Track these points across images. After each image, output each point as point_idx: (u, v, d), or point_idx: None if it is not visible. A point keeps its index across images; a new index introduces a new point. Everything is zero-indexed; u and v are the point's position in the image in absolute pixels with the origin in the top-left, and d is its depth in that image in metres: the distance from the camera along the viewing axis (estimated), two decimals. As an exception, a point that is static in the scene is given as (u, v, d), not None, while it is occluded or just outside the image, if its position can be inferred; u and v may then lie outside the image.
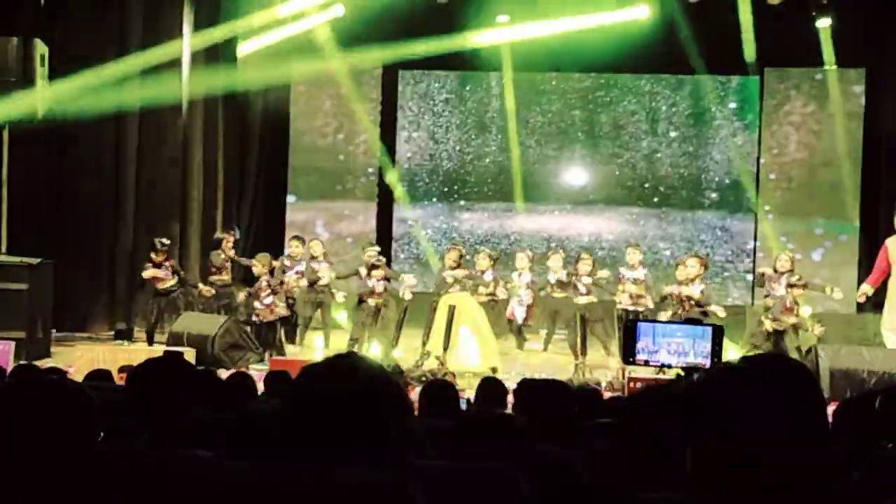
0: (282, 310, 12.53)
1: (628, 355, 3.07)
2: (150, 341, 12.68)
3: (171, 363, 3.72)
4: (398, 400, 2.10)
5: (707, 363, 3.22)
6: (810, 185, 16.42)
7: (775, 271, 12.19)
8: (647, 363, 3.06)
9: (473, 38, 16.15)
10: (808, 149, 16.47)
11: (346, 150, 17.49)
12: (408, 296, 12.69)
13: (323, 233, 16.86)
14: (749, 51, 15.72)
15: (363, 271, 12.78)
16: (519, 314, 13.47)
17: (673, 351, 3.12)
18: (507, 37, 16.22)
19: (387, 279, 12.75)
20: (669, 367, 3.00)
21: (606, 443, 4.13)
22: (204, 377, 5.86)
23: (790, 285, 11.82)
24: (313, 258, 13.36)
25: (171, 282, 12.83)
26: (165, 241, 12.91)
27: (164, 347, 11.31)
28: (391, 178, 17.31)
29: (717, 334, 3.08)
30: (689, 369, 3.51)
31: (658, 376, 10.11)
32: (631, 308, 12.65)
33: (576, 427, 4.36)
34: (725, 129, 16.75)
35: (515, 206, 17.22)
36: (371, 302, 12.60)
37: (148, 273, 12.72)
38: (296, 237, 13.80)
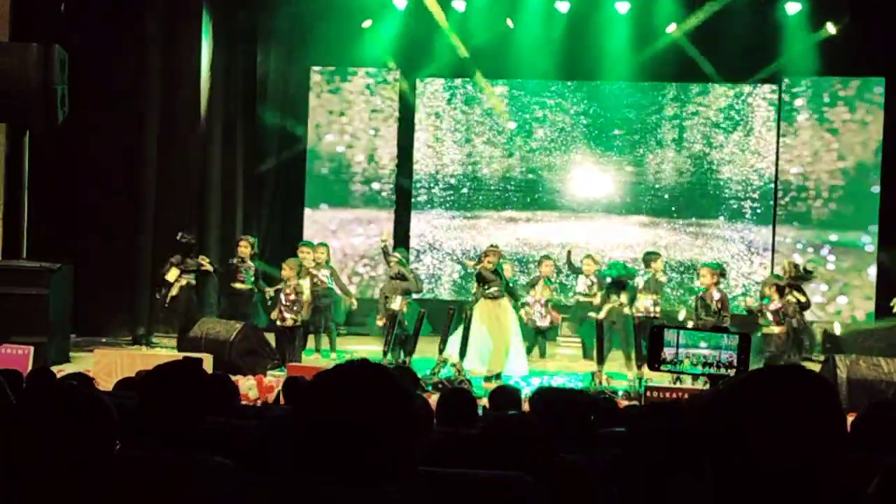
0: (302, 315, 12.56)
1: (654, 362, 3.05)
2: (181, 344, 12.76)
3: (183, 368, 3.71)
4: (407, 407, 2.10)
5: (732, 373, 3.19)
6: (829, 193, 16.34)
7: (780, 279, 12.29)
8: (671, 371, 3.05)
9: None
10: (826, 157, 16.38)
11: (362, 158, 17.50)
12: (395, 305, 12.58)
13: (339, 239, 16.90)
14: (767, 59, 15.72)
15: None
16: (539, 320, 13.55)
17: (697, 361, 3.10)
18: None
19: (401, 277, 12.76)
20: (694, 376, 2.99)
21: (622, 452, 4.13)
22: (219, 382, 5.88)
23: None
24: (317, 264, 13.39)
25: (185, 281, 12.90)
26: (187, 234, 13.06)
27: (180, 353, 11.34)
28: (407, 185, 17.33)
29: (744, 342, 3.06)
30: (714, 378, 3.50)
31: (676, 386, 10.11)
32: (647, 316, 12.67)
33: (592, 436, 4.36)
34: (743, 138, 16.69)
35: (534, 215, 17.21)
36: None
37: (171, 275, 12.79)
38: (306, 243, 13.84)
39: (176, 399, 3.54)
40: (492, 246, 12.69)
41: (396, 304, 12.37)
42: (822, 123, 16.38)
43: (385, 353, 11.95)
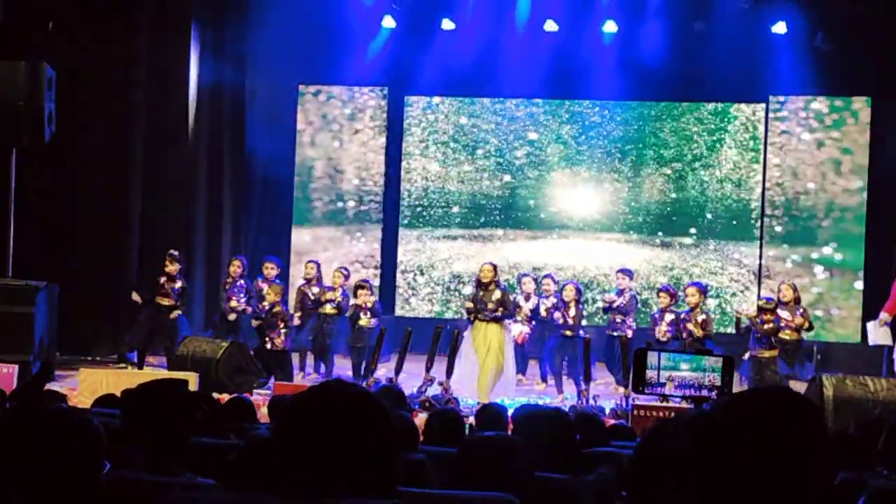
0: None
1: (638, 384, 3.03)
2: (141, 363, 12.77)
3: (164, 387, 3.70)
4: (386, 427, 2.09)
5: (713, 396, 3.18)
6: (815, 213, 16.38)
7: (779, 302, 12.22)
8: (653, 394, 3.04)
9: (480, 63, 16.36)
10: (812, 177, 16.44)
11: (350, 175, 17.50)
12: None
13: (327, 258, 16.89)
14: (753, 78, 15.80)
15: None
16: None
17: (678, 383, 3.09)
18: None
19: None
20: (676, 399, 2.97)
21: (609, 472, 4.12)
22: (202, 401, 5.86)
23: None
24: (307, 281, 13.40)
25: (170, 302, 12.87)
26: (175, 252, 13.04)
27: (165, 371, 11.32)
28: (395, 202, 17.34)
29: (728, 366, 3.04)
30: (697, 401, 3.48)
31: (664, 405, 10.10)
32: (616, 334, 12.75)
33: (577, 455, 4.35)
34: (729, 157, 16.73)
35: (520, 233, 17.22)
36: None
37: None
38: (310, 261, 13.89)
39: (159, 418, 3.52)
40: (485, 264, 12.64)
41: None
42: (807, 142, 16.44)
43: (372, 372, 12.08)
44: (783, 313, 12.00)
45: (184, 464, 3.52)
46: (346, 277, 13.40)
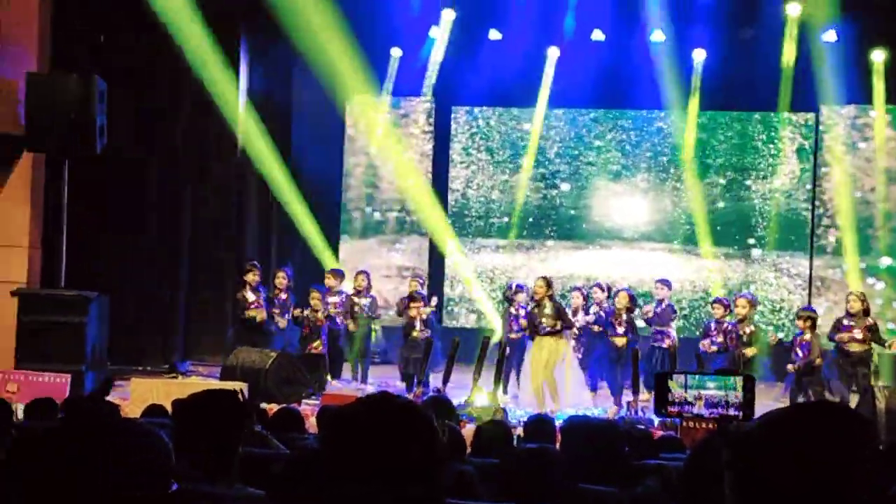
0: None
1: (660, 407, 3.02)
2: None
3: (220, 397, 3.70)
4: (433, 439, 2.09)
5: (739, 415, 3.16)
6: (867, 222, 16.19)
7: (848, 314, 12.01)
8: (680, 414, 3.01)
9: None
10: (864, 186, 16.26)
11: (396, 185, 17.55)
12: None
13: (373, 266, 16.93)
14: (803, 87, 15.64)
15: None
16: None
17: (707, 402, 3.06)
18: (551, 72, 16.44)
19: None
20: (702, 418, 2.96)
21: (655, 484, 4.09)
22: (252, 411, 5.89)
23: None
24: (358, 292, 13.44)
25: (262, 314, 12.93)
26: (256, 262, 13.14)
27: (215, 382, 11.40)
28: (442, 212, 17.32)
29: (749, 384, 3.02)
30: (725, 420, 3.45)
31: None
32: (654, 344, 12.72)
33: (625, 468, 4.32)
34: (779, 166, 16.59)
35: (565, 244, 17.17)
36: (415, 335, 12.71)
37: (248, 296, 12.89)
38: (333, 271, 13.92)
39: (213, 428, 3.52)
40: (537, 279, 12.58)
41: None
42: (858, 152, 16.27)
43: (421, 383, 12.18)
44: (852, 324, 11.81)
45: (235, 475, 3.53)
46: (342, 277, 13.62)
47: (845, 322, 11.87)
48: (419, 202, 17.47)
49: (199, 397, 3.66)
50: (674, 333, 12.89)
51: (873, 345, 11.93)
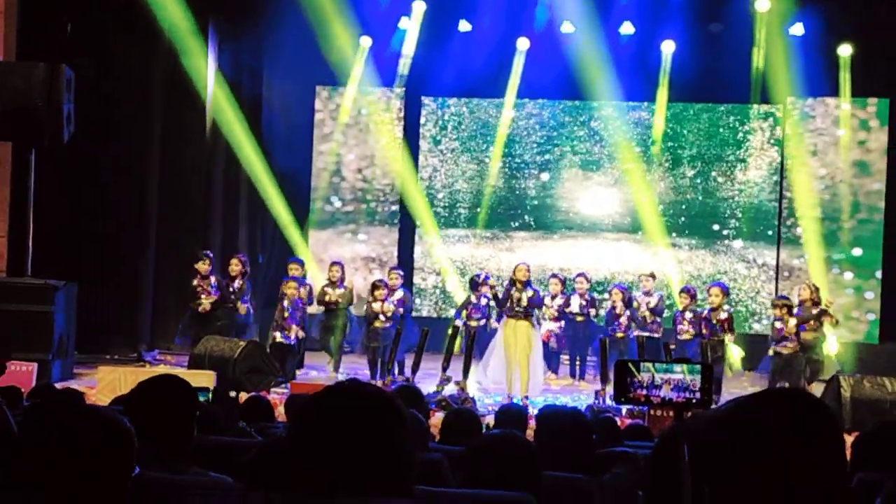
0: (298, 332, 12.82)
1: (620, 394, 3.05)
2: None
3: (166, 384, 3.71)
4: (402, 426, 2.10)
5: (697, 399, 3.23)
6: (833, 214, 16.30)
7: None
8: (647, 398, 3.04)
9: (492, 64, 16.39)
10: (830, 178, 16.37)
11: (366, 175, 17.52)
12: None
13: (343, 258, 16.89)
14: (771, 79, 15.72)
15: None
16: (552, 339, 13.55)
17: (675, 386, 3.11)
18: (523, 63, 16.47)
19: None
20: (671, 402, 3.00)
21: (623, 471, 4.13)
22: (219, 400, 5.89)
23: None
24: (332, 283, 13.40)
25: (210, 300, 12.93)
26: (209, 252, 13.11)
27: (182, 370, 11.36)
28: (412, 202, 17.29)
29: (706, 372, 3.08)
30: (686, 407, 3.50)
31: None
32: (646, 334, 12.86)
33: (593, 456, 4.36)
34: (749, 158, 16.68)
35: (534, 235, 17.20)
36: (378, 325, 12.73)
37: (195, 284, 12.89)
38: (294, 260, 13.91)
39: (161, 414, 3.53)
40: (520, 264, 12.64)
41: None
42: (824, 144, 16.38)
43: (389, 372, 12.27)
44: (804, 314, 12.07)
45: (190, 460, 3.53)
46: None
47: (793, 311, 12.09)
48: (388, 193, 17.45)
49: (148, 384, 3.69)
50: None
51: (826, 335, 12.25)
